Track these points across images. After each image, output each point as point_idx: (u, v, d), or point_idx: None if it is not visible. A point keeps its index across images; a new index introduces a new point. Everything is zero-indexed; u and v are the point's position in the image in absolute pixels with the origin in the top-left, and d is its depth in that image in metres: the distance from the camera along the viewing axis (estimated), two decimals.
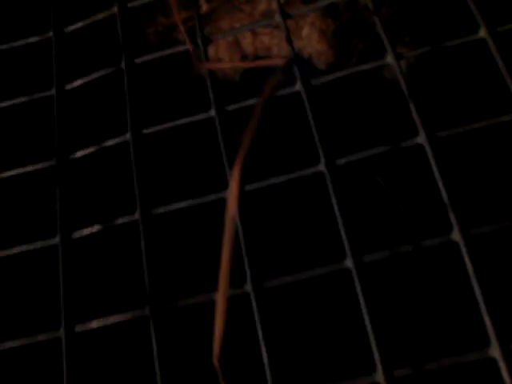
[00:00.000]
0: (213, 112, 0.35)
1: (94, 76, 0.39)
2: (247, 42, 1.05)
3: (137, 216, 0.34)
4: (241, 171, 0.23)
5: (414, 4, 0.69)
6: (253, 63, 0.33)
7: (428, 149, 0.32)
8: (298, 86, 0.35)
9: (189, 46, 0.37)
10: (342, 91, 0.46)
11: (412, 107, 0.32)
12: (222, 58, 1.07)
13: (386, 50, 0.81)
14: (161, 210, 0.34)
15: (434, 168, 0.31)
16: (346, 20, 1.01)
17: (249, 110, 0.37)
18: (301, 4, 1.09)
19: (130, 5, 0.41)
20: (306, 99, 0.34)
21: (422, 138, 0.32)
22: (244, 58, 1.02)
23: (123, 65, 0.38)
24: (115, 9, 0.40)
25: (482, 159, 0.39)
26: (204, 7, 1.11)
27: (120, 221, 0.35)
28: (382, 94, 0.44)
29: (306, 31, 1.05)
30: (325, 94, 0.45)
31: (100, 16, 0.41)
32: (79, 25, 0.41)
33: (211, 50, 1.06)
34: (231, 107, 0.35)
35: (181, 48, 0.38)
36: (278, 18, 0.38)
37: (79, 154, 0.37)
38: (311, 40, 1.01)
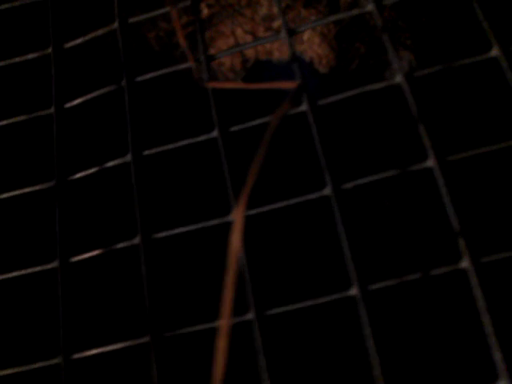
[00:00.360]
0: (215, 133, 0.35)
1: (94, 94, 0.38)
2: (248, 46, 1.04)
3: (137, 240, 0.33)
4: (246, 207, 0.22)
5: (416, 7, 0.68)
6: (259, 85, 0.32)
7: (438, 173, 0.31)
8: (304, 107, 0.34)
9: (191, 63, 0.36)
10: (348, 110, 0.45)
11: (421, 129, 0.31)
12: (223, 61, 1.06)
13: (391, 64, 0.80)
14: (162, 234, 0.33)
15: (444, 193, 0.30)
16: (348, 24, 1.00)
17: (252, 131, 0.36)
18: (301, 8, 1.08)
19: (130, 20, 0.40)
20: (313, 120, 0.33)
21: (431, 162, 0.31)
22: (245, 61, 1.01)
23: (124, 83, 0.37)
24: (116, 25, 0.40)
25: (493, 184, 0.38)
26: (205, 12, 1.10)
27: (120, 245, 0.34)
28: (391, 113, 0.43)
29: (307, 35, 1.04)
30: (331, 114, 0.44)
31: (100, 32, 0.40)
32: (79, 41, 0.40)
33: (212, 53, 1.05)
34: (234, 128, 0.34)
35: (183, 66, 0.37)
36: (283, 34, 0.37)
37: (79, 175, 0.36)
38: (312, 44, 1.00)
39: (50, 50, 0.41)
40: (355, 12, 0.36)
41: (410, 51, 0.93)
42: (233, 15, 1.04)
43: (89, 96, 0.38)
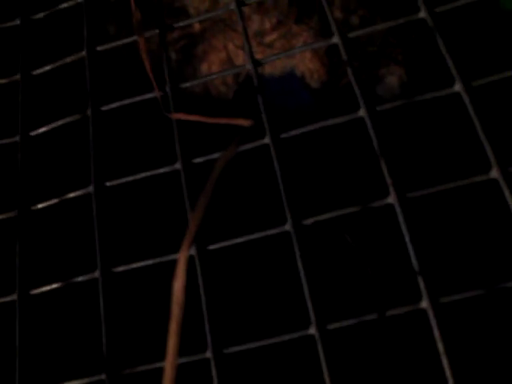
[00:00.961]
0: (178, 165, 0.34)
1: (59, 123, 0.37)
2: (240, 59, 1.04)
3: (97, 274, 0.33)
4: (187, 257, 0.22)
5: (406, 24, 0.68)
6: (218, 120, 0.32)
7: (398, 210, 0.30)
8: (267, 139, 0.33)
9: (157, 94, 0.36)
10: (312, 145, 0.45)
11: (383, 165, 0.31)
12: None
13: (382, 79, 0.80)
14: (121, 268, 0.33)
15: (404, 231, 0.30)
16: (342, 31, 1.00)
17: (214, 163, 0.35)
18: (293, 24, 1.09)
19: (99, 48, 0.39)
20: (275, 154, 0.33)
21: (392, 199, 0.31)
22: (236, 75, 1.01)
23: (89, 112, 0.37)
24: (84, 52, 0.39)
25: (455, 221, 0.37)
26: (197, 26, 1.10)
27: (80, 278, 0.33)
28: (353, 148, 0.43)
29: (298, 50, 1.04)
30: (295, 147, 0.44)
31: (68, 59, 0.39)
32: (47, 68, 0.40)
33: (204, 67, 1.06)
34: (197, 160, 0.34)
35: (148, 95, 0.37)
36: (248, 65, 0.36)
37: (41, 205, 0.36)
38: (304, 58, 1.00)
39: (18, 76, 0.40)
40: (322, 44, 0.36)
41: (400, 66, 0.93)
42: (224, 30, 1.05)
43: (54, 124, 0.37)
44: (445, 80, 0.49)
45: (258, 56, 1.02)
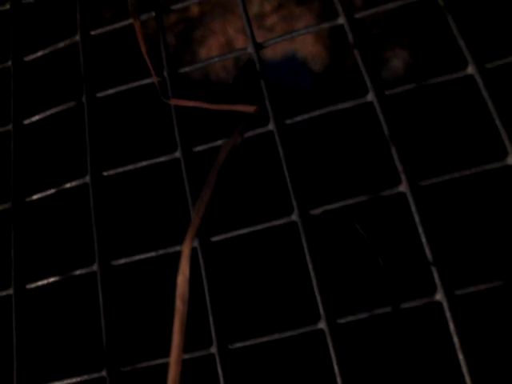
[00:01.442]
0: (178, 153, 0.33)
1: (53, 111, 0.36)
2: (239, 43, 1.02)
3: (95, 267, 0.31)
4: (190, 251, 0.20)
5: (413, 5, 0.66)
6: (220, 106, 0.30)
7: (410, 199, 0.29)
8: (271, 125, 0.32)
9: (154, 80, 0.34)
10: (318, 131, 0.43)
11: (394, 152, 0.30)
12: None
13: (387, 61, 0.78)
14: (121, 261, 0.31)
15: (417, 220, 0.28)
16: (348, 12, 0.98)
17: (217, 151, 0.34)
18: (294, 6, 1.06)
19: (93, 32, 0.38)
20: (279, 141, 0.31)
21: (403, 187, 0.29)
22: (237, 60, 0.99)
23: (84, 99, 0.35)
24: (77, 37, 0.38)
25: (469, 210, 0.36)
26: (195, 10, 1.08)
27: (78, 272, 0.32)
28: (362, 135, 0.41)
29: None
30: (300, 134, 0.43)
31: (61, 44, 0.38)
32: (39, 54, 0.38)
33: (203, 52, 1.04)
34: (198, 148, 0.33)
35: (146, 81, 0.35)
36: (250, 49, 0.35)
37: (36, 196, 0.34)
38: (306, 42, 0.98)
39: (9, 63, 0.39)
40: (327, 25, 0.35)
41: (405, 49, 0.91)
42: (224, 14, 1.03)
43: (48, 112, 0.36)
44: (452, 63, 0.47)
45: (259, 39, 1.00)
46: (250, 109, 0.28)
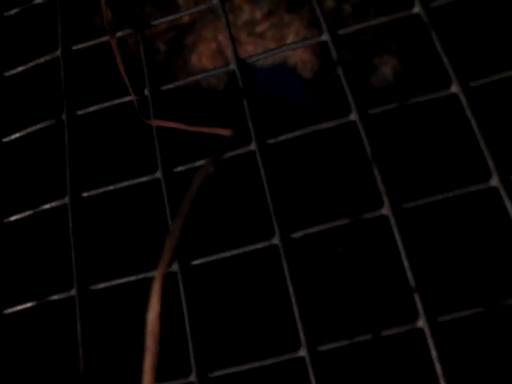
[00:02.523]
0: (159, 174, 0.32)
1: (34, 128, 0.35)
2: (230, 50, 1.01)
3: (73, 292, 0.31)
4: (162, 285, 0.20)
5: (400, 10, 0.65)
6: (199, 128, 0.30)
7: (393, 222, 0.28)
8: (253, 146, 0.31)
9: (133, 99, 0.33)
10: (301, 150, 0.43)
11: (376, 173, 0.29)
12: (206, 66, 1.03)
13: (377, 69, 0.78)
14: (100, 285, 0.31)
15: (400, 245, 0.28)
16: (331, 28, 0.98)
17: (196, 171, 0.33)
18: (284, 13, 1.06)
19: (74, 47, 0.37)
20: (261, 162, 0.31)
21: (386, 209, 0.29)
22: (228, 66, 0.98)
23: (64, 116, 0.35)
24: (58, 52, 0.37)
25: (453, 232, 0.35)
26: (186, 17, 1.07)
27: (56, 297, 0.31)
28: (345, 155, 0.41)
29: (290, 40, 1.02)
30: (282, 154, 0.42)
31: (42, 60, 0.37)
32: (20, 69, 0.38)
33: (194, 58, 1.03)
34: (179, 169, 0.32)
35: (128, 98, 0.34)
36: (232, 66, 0.34)
37: (14, 217, 0.34)
38: (296, 49, 0.98)
39: None
40: (311, 41, 0.34)
41: (394, 56, 0.91)
42: (215, 21, 1.02)
43: (28, 130, 0.35)
44: (441, 72, 0.47)
45: (249, 46, 1.00)
46: (227, 133, 0.27)
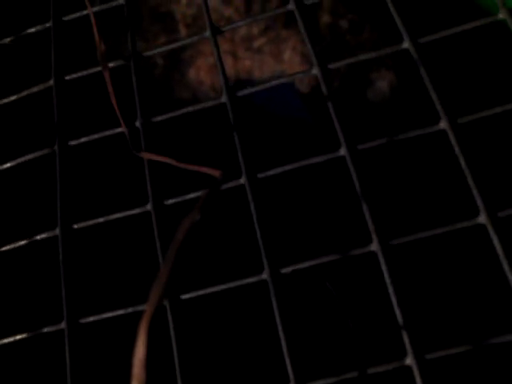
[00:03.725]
0: (149, 206, 0.32)
1: (25, 158, 0.35)
2: (228, 65, 1.02)
3: (63, 325, 0.31)
4: (147, 334, 0.20)
5: (396, 28, 0.66)
6: (189, 166, 0.30)
7: (381, 259, 0.28)
8: (243, 179, 0.32)
9: (125, 132, 0.34)
10: (291, 184, 0.43)
11: (365, 210, 0.29)
12: (204, 80, 1.04)
13: (373, 83, 0.78)
14: (90, 319, 0.31)
15: (387, 281, 0.28)
16: (329, 43, 0.99)
17: (189, 204, 0.33)
18: (281, 29, 1.07)
19: (67, 77, 0.37)
20: (251, 196, 0.31)
21: (375, 246, 0.29)
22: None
23: (56, 147, 0.35)
24: (51, 82, 0.37)
25: (441, 269, 0.36)
26: (183, 32, 1.08)
27: (46, 329, 0.31)
28: (335, 190, 0.41)
29: (287, 55, 1.03)
30: (272, 187, 0.42)
31: (35, 89, 0.37)
32: (13, 98, 0.38)
33: (191, 73, 1.04)
34: (170, 201, 0.32)
35: (119, 130, 0.35)
36: (224, 99, 0.34)
37: (5, 248, 0.34)
38: (293, 63, 0.99)
39: None
40: (300, 75, 0.34)
41: (391, 71, 0.91)
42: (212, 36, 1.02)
43: (19, 160, 0.35)
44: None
45: (247, 61, 1.00)
46: (216, 173, 0.27)
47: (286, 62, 1.00)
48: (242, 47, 1.01)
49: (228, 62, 0.99)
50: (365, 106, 0.67)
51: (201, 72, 1.01)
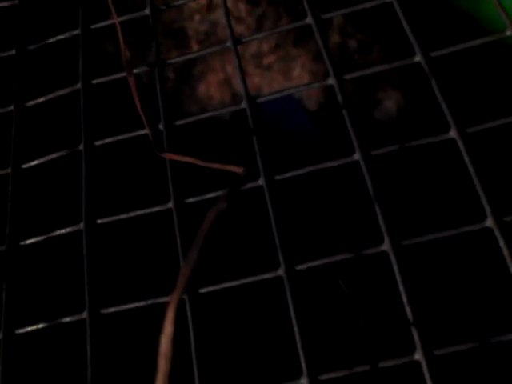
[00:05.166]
0: (171, 204, 0.34)
1: (52, 156, 0.37)
2: (237, 81, 1.05)
3: (85, 315, 0.32)
4: (175, 313, 0.21)
5: (402, 49, 0.68)
6: (214, 165, 0.32)
7: (392, 258, 0.30)
8: (261, 181, 0.33)
9: (149, 133, 0.35)
10: (306, 187, 0.45)
11: (378, 211, 0.31)
12: (213, 95, 1.06)
13: (380, 103, 0.80)
14: (111, 309, 0.32)
15: (398, 280, 0.29)
16: (337, 62, 1.01)
17: (208, 203, 0.35)
18: (291, 47, 1.09)
19: (94, 81, 0.39)
20: (269, 196, 0.32)
21: (386, 246, 0.30)
22: (234, 96, 1.01)
23: (82, 146, 0.37)
24: (79, 85, 0.39)
25: (450, 269, 0.37)
26: (195, 48, 1.11)
27: (67, 319, 0.32)
28: (348, 191, 0.42)
29: (296, 72, 1.05)
30: (289, 189, 0.44)
31: (62, 92, 0.39)
32: (41, 99, 0.40)
33: (202, 88, 1.06)
34: (190, 200, 0.34)
35: (142, 132, 0.36)
36: (244, 104, 0.36)
37: (29, 241, 0.35)
38: (302, 81, 1.01)
39: (11, 107, 0.40)
40: (315, 85, 0.36)
41: (398, 90, 0.94)
42: (223, 52, 1.05)
43: (47, 158, 0.37)
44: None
45: (256, 78, 1.03)
46: (239, 170, 0.29)
47: (295, 79, 1.03)
48: (252, 64, 1.03)
49: (238, 78, 1.02)
50: (372, 125, 0.68)
51: (211, 87, 1.03)
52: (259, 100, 0.36)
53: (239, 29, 1.04)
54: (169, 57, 1.05)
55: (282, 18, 1.05)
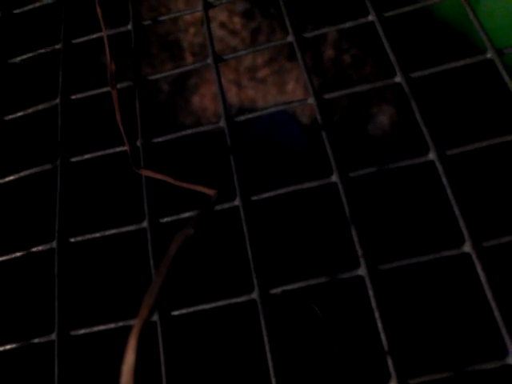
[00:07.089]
0: (145, 223, 0.33)
1: (27, 172, 0.36)
2: (232, 93, 1.04)
3: (53, 336, 0.31)
4: (137, 342, 0.20)
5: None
6: (186, 184, 0.31)
7: (368, 283, 0.29)
8: (237, 201, 0.32)
9: (127, 149, 0.35)
10: (283, 209, 0.44)
11: (354, 235, 0.30)
12: (207, 107, 1.06)
13: (373, 117, 0.79)
14: (81, 331, 0.31)
15: (374, 306, 0.29)
16: (331, 76, 1.01)
17: (184, 223, 0.34)
18: (285, 60, 1.09)
19: (73, 97, 0.39)
20: (244, 218, 0.32)
21: (362, 270, 0.30)
22: (229, 107, 1.01)
23: (58, 162, 0.36)
24: (57, 100, 0.39)
25: (427, 296, 0.36)
26: (189, 60, 1.11)
27: (36, 340, 0.32)
28: (327, 212, 0.42)
29: (290, 86, 1.05)
30: (265, 210, 0.43)
31: (41, 107, 0.39)
32: (19, 114, 0.39)
33: (196, 100, 1.06)
34: (165, 219, 0.33)
35: (120, 149, 0.36)
36: (222, 123, 0.35)
37: (1, 258, 0.34)
38: (296, 94, 1.01)
39: None
40: (296, 104, 0.36)
41: (391, 105, 0.94)
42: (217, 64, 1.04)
43: (21, 174, 0.37)
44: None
45: (250, 91, 1.03)
46: (210, 192, 0.28)
47: (289, 92, 1.03)
48: (247, 77, 1.03)
49: (232, 90, 1.02)
50: (364, 138, 0.68)
51: (205, 99, 1.03)
52: (238, 119, 0.35)
53: (234, 42, 1.04)
54: (163, 68, 1.05)
55: (276, 32, 1.05)
